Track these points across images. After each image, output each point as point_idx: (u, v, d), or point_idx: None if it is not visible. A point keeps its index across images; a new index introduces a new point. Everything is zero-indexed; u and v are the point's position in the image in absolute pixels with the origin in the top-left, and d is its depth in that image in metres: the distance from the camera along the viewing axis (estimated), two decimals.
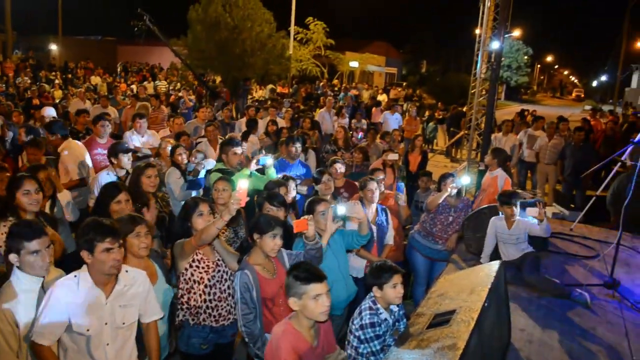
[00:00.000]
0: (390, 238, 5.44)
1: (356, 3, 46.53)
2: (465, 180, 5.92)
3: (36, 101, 15.02)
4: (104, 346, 3.01)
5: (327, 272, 4.15)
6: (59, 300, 2.88)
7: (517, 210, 5.03)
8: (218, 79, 21.71)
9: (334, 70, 33.25)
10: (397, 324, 3.52)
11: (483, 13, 13.13)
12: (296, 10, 24.26)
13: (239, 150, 5.92)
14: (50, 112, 9.67)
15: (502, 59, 12.07)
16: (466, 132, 14.99)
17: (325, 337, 3.11)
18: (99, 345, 3.00)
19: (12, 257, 3.04)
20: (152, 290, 3.34)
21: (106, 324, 3.01)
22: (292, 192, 5.36)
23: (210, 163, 6.21)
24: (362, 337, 3.30)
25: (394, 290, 3.40)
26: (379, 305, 3.41)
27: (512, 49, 47.67)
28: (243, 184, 3.50)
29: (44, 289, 3.10)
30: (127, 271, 3.16)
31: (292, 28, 24.01)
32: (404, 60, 56.69)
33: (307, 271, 2.96)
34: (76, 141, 6.61)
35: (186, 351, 3.80)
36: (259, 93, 22.32)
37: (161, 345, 3.61)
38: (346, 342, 3.45)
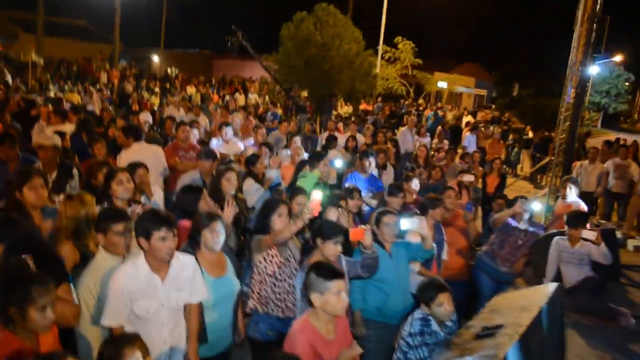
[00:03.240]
0: (444, 253, 5.53)
1: (447, 24, 46.24)
2: (535, 205, 5.86)
3: (135, 107, 16.21)
4: (160, 327, 3.32)
5: (386, 281, 4.36)
6: (121, 286, 3.19)
7: (582, 233, 4.97)
8: (304, 94, 22.34)
9: (421, 89, 33.16)
10: (448, 337, 3.62)
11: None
12: (385, 29, 24.56)
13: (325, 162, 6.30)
14: (146, 117, 10.49)
15: (592, 84, 11.61)
16: (552, 158, 14.52)
17: (342, 332, 3.24)
18: (157, 326, 3.31)
19: (100, 237, 3.46)
20: (199, 273, 3.59)
21: (162, 305, 3.31)
22: (357, 201, 5.58)
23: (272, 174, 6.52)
24: (411, 343, 3.45)
25: (440, 308, 3.52)
26: (430, 317, 3.54)
27: (611, 74, 45.32)
28: (317, 195, 3.76)
29: None
30: (178, 257, 3.43)
31: (381, 47, 24.29)
32: (494, 83, 55.43)
33: (329, 269, 3.11)
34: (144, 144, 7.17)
35: (253, 336, 4.10)
36: (344, 109, 22.70)
37: (224, 335, 3.92)
38: (396, 345, 3.59)
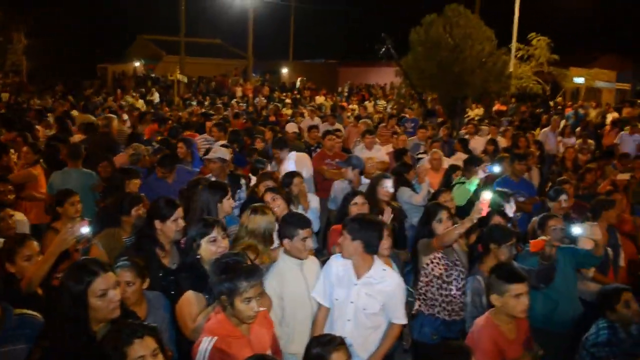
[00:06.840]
0: (621, 259, 5.23)
1: (584, 14, 42.88)
2: None
3: (272, 118, 17.02)
4: (344, 321, 3.58)
5: (554, 289, 4.26)
6: (329, 267, 3.64)
7: None
8: (430, 97, 22.06)
9: (557, 87, 31.21)
10: (636, 347, 3.46)
11: None
12: (518, 26, 23.52)
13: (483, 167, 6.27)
14: (293, 127, 11.17)
15: None
16: None
17: (523, 332, 3.28)
18: (340, 318, 3.57)
19: (286, 242, 3.74)
20: (401, 297, 3.73)
21: (351, 302, 3.56)
22: (512, 207, 5.45)
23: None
24: (597, 354, 3.35)
25: (627, 308, 3.40)
26: (617, 325, 3.41)
27: None
28: (487, 195, 3.82)
29: (301, 271, 3.77)
30: (383, 269, 3.66)
31: (514, 45, 23.31)
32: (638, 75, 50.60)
33: (510, 272, 3.17)
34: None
35: (418, 339, 4.24)
36: (475, 112, 22.07)
37: None
38: (577, 357, 3.50)
